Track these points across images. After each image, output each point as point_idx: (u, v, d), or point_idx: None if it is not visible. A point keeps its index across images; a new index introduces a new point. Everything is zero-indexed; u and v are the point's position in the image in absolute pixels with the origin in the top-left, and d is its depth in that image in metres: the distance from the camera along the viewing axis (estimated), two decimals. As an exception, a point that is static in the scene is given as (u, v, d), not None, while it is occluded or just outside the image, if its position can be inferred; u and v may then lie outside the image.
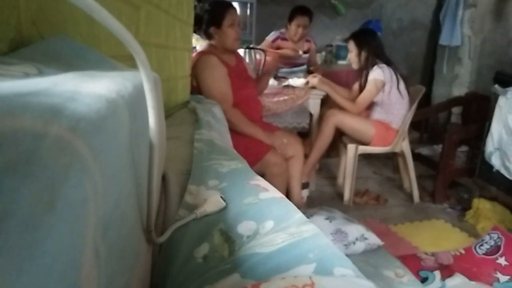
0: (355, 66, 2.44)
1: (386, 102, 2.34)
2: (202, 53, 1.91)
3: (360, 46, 2.37)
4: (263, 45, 2.92)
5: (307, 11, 2.89)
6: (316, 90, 2.43)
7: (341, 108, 2.39)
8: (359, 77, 2.43)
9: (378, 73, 2.29)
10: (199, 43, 2.22)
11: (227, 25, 1.87)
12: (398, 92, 2.31)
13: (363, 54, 2.36)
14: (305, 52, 3.10)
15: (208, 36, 1.94)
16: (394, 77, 2.31)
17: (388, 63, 2.35)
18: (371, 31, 2.54)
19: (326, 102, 2.57)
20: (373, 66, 2.33)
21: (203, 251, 0.53)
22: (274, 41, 3.03)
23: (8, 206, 0.21)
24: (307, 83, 2.48)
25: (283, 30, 3.04)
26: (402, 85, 2.34)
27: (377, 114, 2.40)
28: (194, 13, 1.70)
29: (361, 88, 2.39)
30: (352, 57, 2.42)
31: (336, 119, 2.33)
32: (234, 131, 1.71)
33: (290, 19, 2.91)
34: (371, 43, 2.36)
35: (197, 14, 1.83)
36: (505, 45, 2.93)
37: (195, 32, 1.84)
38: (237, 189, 0.67)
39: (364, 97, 2.33)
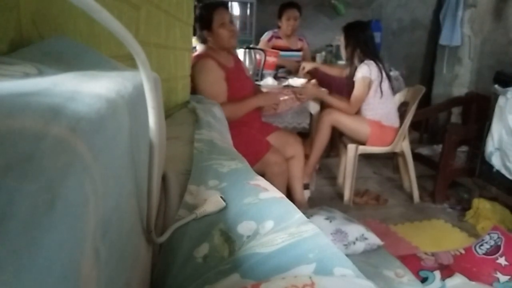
0: (343, 56, 2.52)
1: (370, 101, 2.35)
2: (199, 57, 1.92)
3: (347, 39, 2.39)
4: (260, 45, 2.98)
5: (295, 4, 3.01)
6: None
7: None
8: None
9: (366, 70, 2.30)
10: (199, 43, 2.22)
11: (217, 25, 1.88)
12: (380, 90, 2.32)
13: (349, 47, 2.38)
14: (298, 50, 3.20)
15: (202, 40, 1.95)
16: (379, 75, 2.31)
17: (375, 59, 2.34)
18: (363, 24, 2.49)
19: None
20: (360, 62, 2.33)
21: (203, 251, 0.53)
22: (269, 40, 3.11)
23: (8, 206, 0.21)
24: (303, 88, 2.48)
25: (276, 29, 3.15)
26: (386, 84, 2.34)
27: (364, 112, 2.39)
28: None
29: (348, 80, 2.41)
30: (341, 48, 2.49)
31: (331, 117, 2.33)
32: (234, 124, 1.71)
33: (280, 16, 3.04)
34: (359, 37, 2.36)
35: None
36: (505, 45, 2.92)
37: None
38: (237, 189, 0.67)
39: (356, 96, 2.34)
